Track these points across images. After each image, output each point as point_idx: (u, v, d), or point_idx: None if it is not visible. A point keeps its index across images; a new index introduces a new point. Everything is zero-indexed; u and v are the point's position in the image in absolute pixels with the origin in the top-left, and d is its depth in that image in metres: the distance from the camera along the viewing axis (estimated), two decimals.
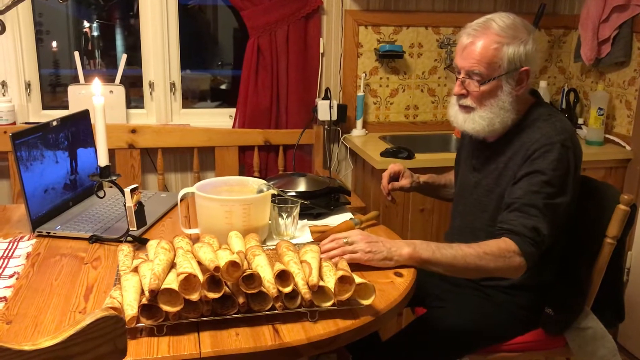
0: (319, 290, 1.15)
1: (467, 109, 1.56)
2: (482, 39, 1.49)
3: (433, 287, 1.70)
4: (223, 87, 3.00)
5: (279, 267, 1.16)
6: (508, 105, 1.52)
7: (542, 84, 2.92)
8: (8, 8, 1.29)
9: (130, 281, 1.14)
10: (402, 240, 1.42)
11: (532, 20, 2.74)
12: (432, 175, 1.91)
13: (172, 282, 1.09)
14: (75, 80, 2.60)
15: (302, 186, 1.72)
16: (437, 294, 1.68)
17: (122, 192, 1.45)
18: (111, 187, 1.49)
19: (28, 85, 2.56)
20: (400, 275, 1.35)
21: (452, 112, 1.61)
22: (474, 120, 1.55)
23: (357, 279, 1.17)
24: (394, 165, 1.86)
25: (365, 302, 1.17)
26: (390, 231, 1.65)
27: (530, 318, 1.64)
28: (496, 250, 1.40)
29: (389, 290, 1.28)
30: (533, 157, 1.48)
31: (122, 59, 2.62)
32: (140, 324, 1.07)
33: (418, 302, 1.75)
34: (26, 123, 2.53)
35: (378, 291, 1.21)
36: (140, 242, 1.49)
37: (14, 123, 2.47)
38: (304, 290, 1.13)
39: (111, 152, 2.48)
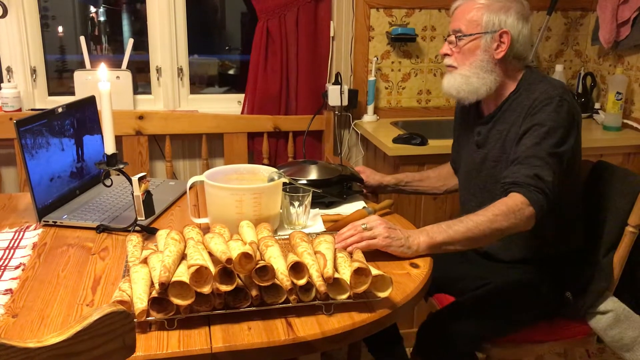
0: (334, 283, 1.11)
1: (450, 68, 1.61)
2: (468, 3, 1.58)
3: (455, 272, 1.69)
4: (231, 72, 2.94)
5: (292, 258, 1.12)
6: (487, 66, 1.56)
7: (558, 67, 2.84)
8: None
9: (140, 273, 1.11)
10: (415, 229, 1.39)
11: (549, 2, 2.67)
12: (403, 174, 1.92)
13: (182, 274, 1.05)
14: (81, 65, 2.56)
15: (313, 174, 1.67)
16: (454, 277, 1.68)
17: (130, 181, 1.41)
18: (119, 174, 1.45)
19: (33, 71, 2.52)
20: (416, 266, 1.31)
21: (443, 79, 1.66)
22: (454, 79, 1.59)
23: (374, 271, 1.12)
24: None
25: (382, 295, 1.14)
26: (405, 220, 1.61)
27: (557, 298, 1.62)
28: (505, 209, 1.39)
29: (405, 281, 1.25)
30: (532, 112, 1.49)
31: (129, 44, 2.57)
32: (150, 318, 1.04)
33: (438, 290, 1.73)
34: (32, 109, 2.49)
35: (394, 283, 1.17)
36: (148, 232, 1.45)
37: (20, 109, 2.43)
38: (318, 282, 1.09)
39: (118, 139, 2.44)
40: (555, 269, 1.61)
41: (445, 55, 1.62)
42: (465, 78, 1.57)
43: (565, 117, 1.47)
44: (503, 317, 1.57)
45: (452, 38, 1.59)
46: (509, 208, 1.39)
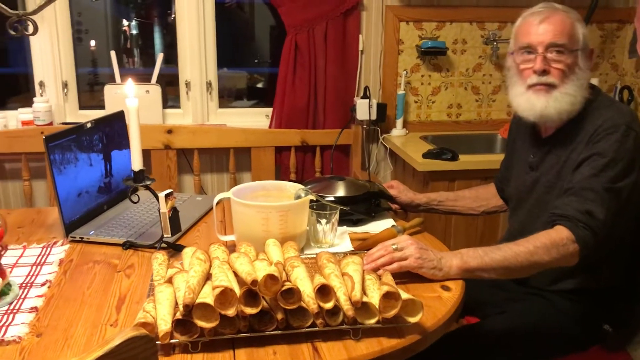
0: (362, 307, 1.07)
1: (548, 87, 1.46)
2: (556, 15, 1.46)
3: (488, 295, 1.62)
4: (260, 85, 2.94)
5: (319, 280, 1.09)
6: (585, 84, 1.46)
7: (594, 81, 2.76)
8: (40, 8, 1.25)
9: (164, 293, 1.09)
10: (449, 252, 1.34)
11: (584, 14, 2.60)
12: (437, 194, 1.83)
13: (207, 295, 1.03)
14: (113, 79, 2.58)
15: (340, 191, 1.64)
16: (495, 302, 1.60)
17: (157, 198, 1.40)
18: (146, 189, 1.44)
19: (65, 85, 2.55)
20: (447, 289, 1.27)
21: (523, 101, 1.49)
22: (556, 99, 1.45)
23: (404, 295, 1.08)
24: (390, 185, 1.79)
25: (412, 320, 1.09)
26: (435, 239, 1.56)
27: (592, 330, 1.54)
28: (548, 242, 1.31)
29: (436, 305, 1.20)
30: (595, 139, 1.40)
31: (159, 58, 2.58)
32: (174, 340, 1.02)
33: (468, 312, 1.67)
34: (63, 123, 2.52)
35: (424, 307, 1.12)
36: (175, 249, 1.44)
37: (51, 123, 2.47)
38: (346, 306, 1.05)
39: (147, 153, 2.45)
40: (594, 301, 1.52)
41: (543, 72, 1.45)
42: (571, 98, 1.44)
43: (630, 149, 1.36)
44: (533, 346, 1.50)
45: (552, 55, 1.44)
46: (552, 242, 1.31)
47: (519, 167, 1.64)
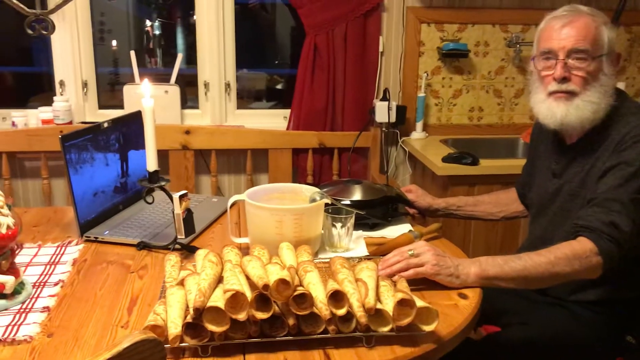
0: (375, 314, 1.05)
1: (569, 95, 1.41)
2: (580, 18, 1.40)
3: (508, 303, 1.58)
4: (279, 86, 2.93)
5: (332, 286, 1.06)
6: (610, 91, 1.41)
7: (620, 85, 2.70)
8: (57, 7, 1.25)
9: (176, 295, 1.08)
10: (467, 259, 1.31)
11: (611, 17, 2.54)
12: (456, 198, 1.79)
13: (218, 299, 1.01)
14: (134, 79, 2.59)
15: (357, 194, 1.61)
16: (515, 311, 1.56)
17: (171, 199, 1.39)
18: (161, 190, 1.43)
19: (85, 85, 2.57)
20: (464, 297, 1.24)
21: (544, 108, 1.45)
22: (578, 107, 1.40)
23: (419, 302, 1.06)
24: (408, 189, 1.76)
25: (427, 328, 1.07)
26: (453, 245, 1.53)
27: (615, 342, 1.50)
28: (570, 253, 1.27)
29: (452, 314, 1.17)
30: (620, 148, 1.35)
31: (178, 58, 2.59)
32: (184, 344, 1.00)
33: (487, 320, 1.62)
34: (82, 122, 2.53)
35: (440, 315, 1.09)
36: (188, 251, 1.43)
37: (71, 122, 2.48)
38: (359, 313, 1.03)
39: (165, 153, 2.45)
40: (617, 312, 1.48)
41: (563, 79, 1.41)
42: (594, 106, 1.39)
43: None
44: (552, 358, 1.46)
45: (573, 63, 1.40)
46: (574, 253, 1.27)
47: (542, 173, 1.59)
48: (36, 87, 2.74)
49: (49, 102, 2.50)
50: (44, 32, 1.28)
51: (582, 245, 1.28)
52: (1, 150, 2.40)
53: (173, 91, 2.56)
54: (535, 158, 1.66)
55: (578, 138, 1.48)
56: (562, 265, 1.27)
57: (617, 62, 1.45)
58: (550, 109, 1.43)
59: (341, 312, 1.03)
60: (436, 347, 1.07)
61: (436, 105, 2.73)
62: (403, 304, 1.05)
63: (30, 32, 1.28)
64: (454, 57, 2.66)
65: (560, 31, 1.41)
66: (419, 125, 2.66)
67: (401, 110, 2.58)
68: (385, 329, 1.05)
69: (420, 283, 1.25)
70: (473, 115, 2.77)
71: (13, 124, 2.46)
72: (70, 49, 2.50)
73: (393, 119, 2.54)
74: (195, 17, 2.60)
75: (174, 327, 1.00)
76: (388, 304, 1.07)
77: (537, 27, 1.50)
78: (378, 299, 1.09)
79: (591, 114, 1.40)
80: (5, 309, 1.14)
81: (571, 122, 1.42)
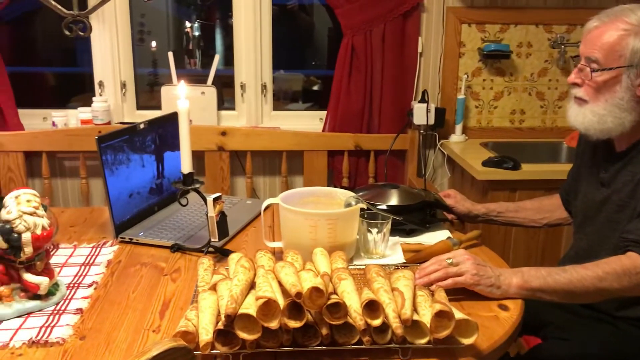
0: (412, 325, 1.01)
1: (580, 101, 1.39)
2: (609, 25, 1.33)
3: (551, 315, 1.51)
4: (315, 88, 2.91)
5: (367, 295, 1.03)
6: (625, 104, 1.33)
7: None
8: (94, 8, 1.25)
9: (208, 300, 1.06)
10: (509, 269, 1.25)
11: None
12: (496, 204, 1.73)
13: (250, 306, 0.99)
14: (172, 80, 2.60)
15: (394, 199, 1.57)
16: (558, 324, 1.49)
17: (205, 201, 1.38)
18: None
19: (123, 86, 2.60)
20: (505, 308, 1.18)
21: (568, 108, 1.44)
22: (584, 115, 1.38)
23: (457, 314, 1.01)
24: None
25: (466, 341, 1.02)
26: (494, 253, 1.48)
27: None
28: (618, 269, 1.22)
29: (492, 326, 1.12)
30: None
31: (215, 60, 2.59)
32: (214, 351, 0.98)
33: (530, 331, 1.56)
34: (120, 123, 2.56)
35: (480, 327, 1.05)
36: (222, 254, 1.42)
37: (109, 123, 2.51)
38: (395, 324, 0.99)
39: (201, 154, 2.46)
40: None
41: (574, 84, 1.39)
42: (599, 117, 1.35)
43: None
44: None
45: (585, 68, 1.36)
46: (623, 269, 1.22)
47: (589, 181, 1.52)
48: (77, 87, 2.79)
49: (89, 102, 2.53)
50: (81, 34, 1.28)
51: (632, 261, 1.23)
52: (41, 149, 2.44)
53: (210, 92, 2.56)
54: (581, 164, 1.59)
55: (628, 145, 1.40)
56: (610, 281, 1.21)
57: None
58: (569, 111, 1.43)
59: (376, 322, 1.00)
60: None
61: (476, 108, 2.66)
62: (441, 316, 1.01)
63: (67, 33, 1.28)
64: (496, 59, 2.59)
65: (586, 36, 1.38)
66: (459, 127, 2.60)
67: (440, 112, 2.52)
68: (422, 341, 1.01)
69: (459, 293, 1.21)
70: (514, 118, 2.69)
71: (53, 124, 2.50)
72: (110, 50, 2.53)
73: (432, 121, 2.49)
74: (233, 18, 2.60)
75: (205, 334, 0.98)
76: (425, 315, 1.03)
77: (583, 27, 1.44)
78: (415, 309, 1.05)
79: (597, 125, 1.36)
80: (40, 310, 1.14)
81: (575, 124, 1.41)
